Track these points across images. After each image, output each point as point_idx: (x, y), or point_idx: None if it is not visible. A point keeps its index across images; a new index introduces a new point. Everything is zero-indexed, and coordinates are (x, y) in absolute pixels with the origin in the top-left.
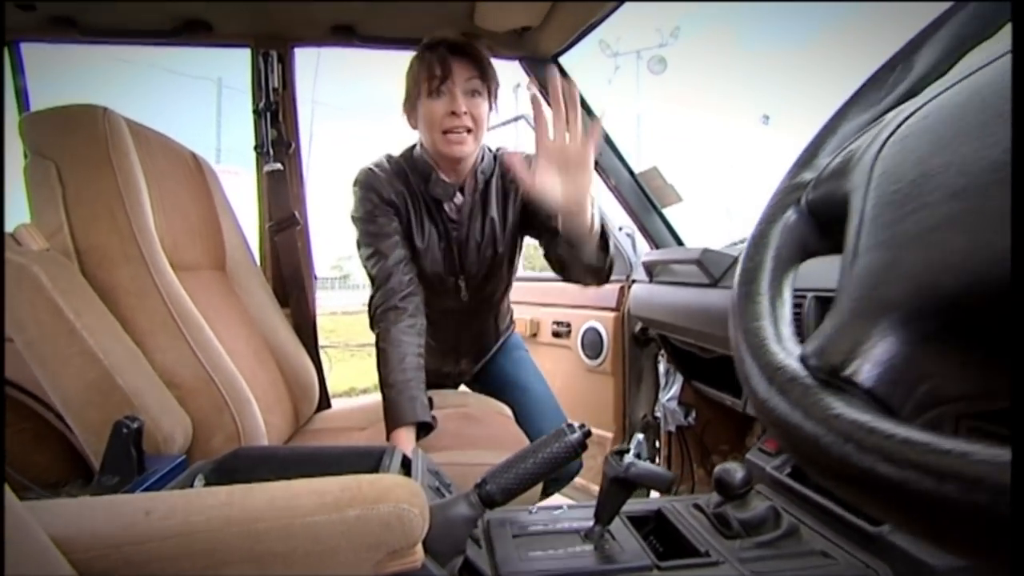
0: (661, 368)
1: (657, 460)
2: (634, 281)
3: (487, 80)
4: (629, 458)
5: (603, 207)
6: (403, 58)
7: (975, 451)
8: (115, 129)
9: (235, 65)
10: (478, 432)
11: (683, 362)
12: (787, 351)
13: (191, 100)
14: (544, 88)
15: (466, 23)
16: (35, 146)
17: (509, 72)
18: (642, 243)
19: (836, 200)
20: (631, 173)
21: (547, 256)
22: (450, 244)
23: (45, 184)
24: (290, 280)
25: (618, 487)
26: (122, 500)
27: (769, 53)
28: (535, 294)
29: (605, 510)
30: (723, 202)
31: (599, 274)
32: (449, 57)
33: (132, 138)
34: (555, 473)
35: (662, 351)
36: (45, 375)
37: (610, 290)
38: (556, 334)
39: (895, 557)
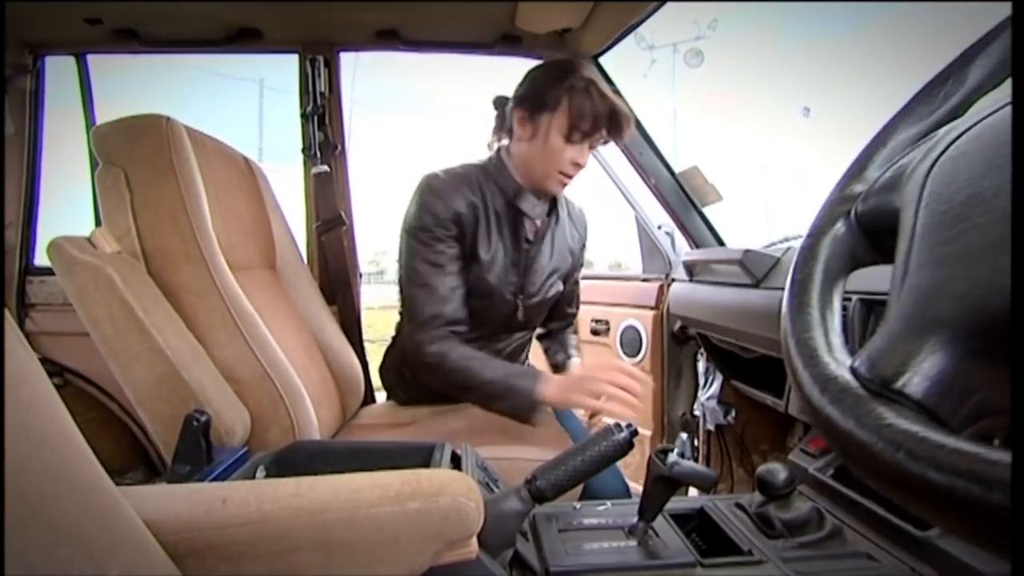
0: (700, 367)
1: (696, 458)
2: (673, 280)
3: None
4: (673, 457)
5: (642, 206)
6: (433, 58)
7: None
8: (176, 136)
9: (276, 67)
10: (521, 428)
11: (723, 361)
12: (838, 362)
13: (235, 102)
14: None
15: (507, 25)
16: (105, 154)
17: None
18: (681, 242)
19: (886, 213)
20: (671, 172)
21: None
22: (517, 262)
23: (115, 190)
24: (336, 279)
25: (662, 485)
26: (200, 488)
27: (811, 43)
28: None
29: (649, 507)
30: (760, 199)
31: None
32: (605, 120)
33: (191, 144)
34: (601, 471)
35: (701, 350)
36: (118, 369)
37: (649, 288)
38: (594, 331)
39: (942, 562)
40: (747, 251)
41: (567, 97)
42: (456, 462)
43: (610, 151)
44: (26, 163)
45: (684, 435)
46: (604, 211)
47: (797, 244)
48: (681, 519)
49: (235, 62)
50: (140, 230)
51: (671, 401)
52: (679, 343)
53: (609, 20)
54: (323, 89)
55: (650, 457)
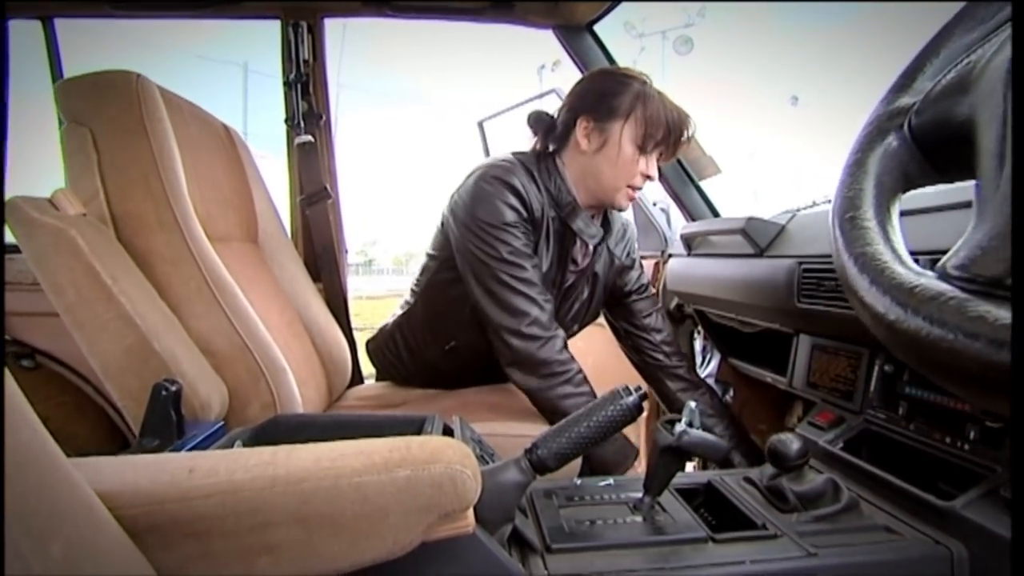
0: (697, 345)
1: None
2: (671, 256)
3: None
4: (681, 427)
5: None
6: (423, 32)
7: None
8: (148, 95)
9: (261, 49)
10: (516, 405)
11: (721, 338)
12: (915, 271)
13: (218, 85)
14: (579, 60)
15: None
16: (70, 113)
17: (540, 45)
18: (676, 220)
19: (949, 121)
20: None
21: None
22: (557, 283)
23: (81, 151)
24: (322, 255)
25: (670, 457)
26: (165, 459)
27: (802, 31)
28: None
29: (656, 481)
30: (750, 187)
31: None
32: (677, 126)
33: (165, 105)
34: (608, 438)
35: (699, 328)
36: (83, 339)
37: (645, 267)
38: None
39: (968, 533)
40: (750, 219)
41: (641, 104)
42: (449, 435)
43: None
44: None
45: (693, 404)
46: None
47: (801, 213)
48: (688, 494)
49: (218, 44)
50: (109, 193)
51: None
52: (676, 321)
53: None
54: (306, 56)
55: (656, 428)
